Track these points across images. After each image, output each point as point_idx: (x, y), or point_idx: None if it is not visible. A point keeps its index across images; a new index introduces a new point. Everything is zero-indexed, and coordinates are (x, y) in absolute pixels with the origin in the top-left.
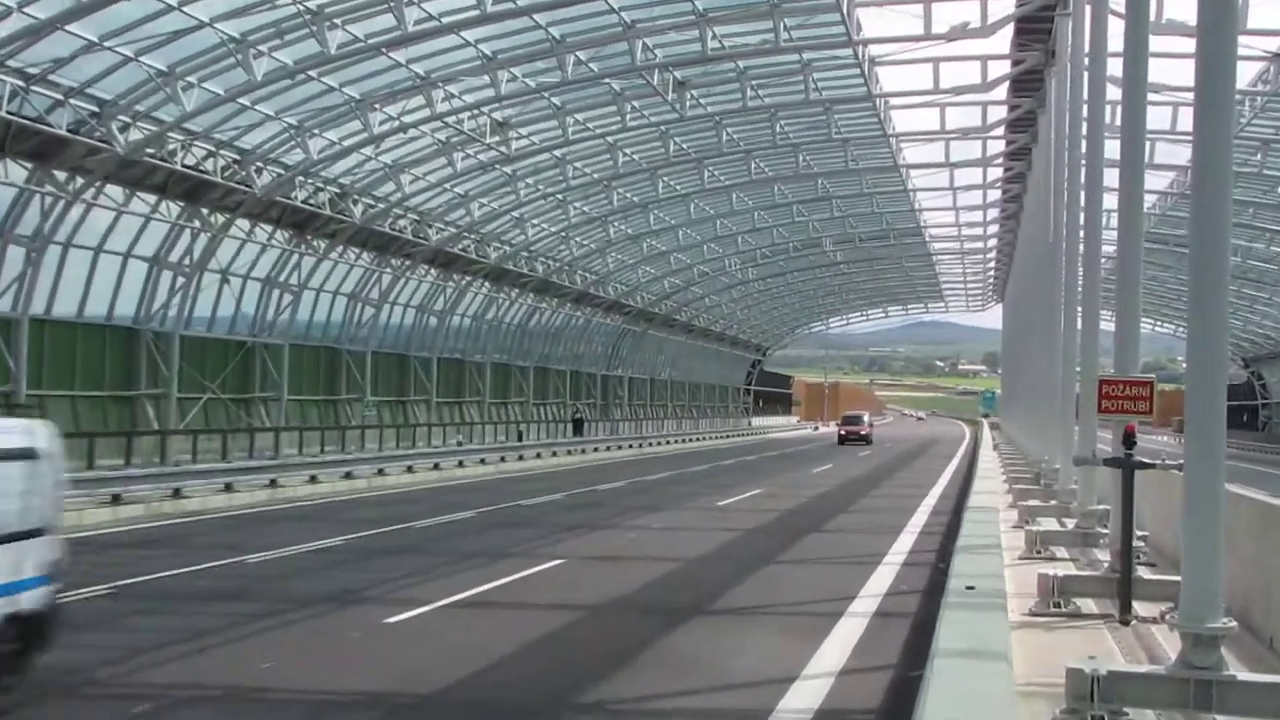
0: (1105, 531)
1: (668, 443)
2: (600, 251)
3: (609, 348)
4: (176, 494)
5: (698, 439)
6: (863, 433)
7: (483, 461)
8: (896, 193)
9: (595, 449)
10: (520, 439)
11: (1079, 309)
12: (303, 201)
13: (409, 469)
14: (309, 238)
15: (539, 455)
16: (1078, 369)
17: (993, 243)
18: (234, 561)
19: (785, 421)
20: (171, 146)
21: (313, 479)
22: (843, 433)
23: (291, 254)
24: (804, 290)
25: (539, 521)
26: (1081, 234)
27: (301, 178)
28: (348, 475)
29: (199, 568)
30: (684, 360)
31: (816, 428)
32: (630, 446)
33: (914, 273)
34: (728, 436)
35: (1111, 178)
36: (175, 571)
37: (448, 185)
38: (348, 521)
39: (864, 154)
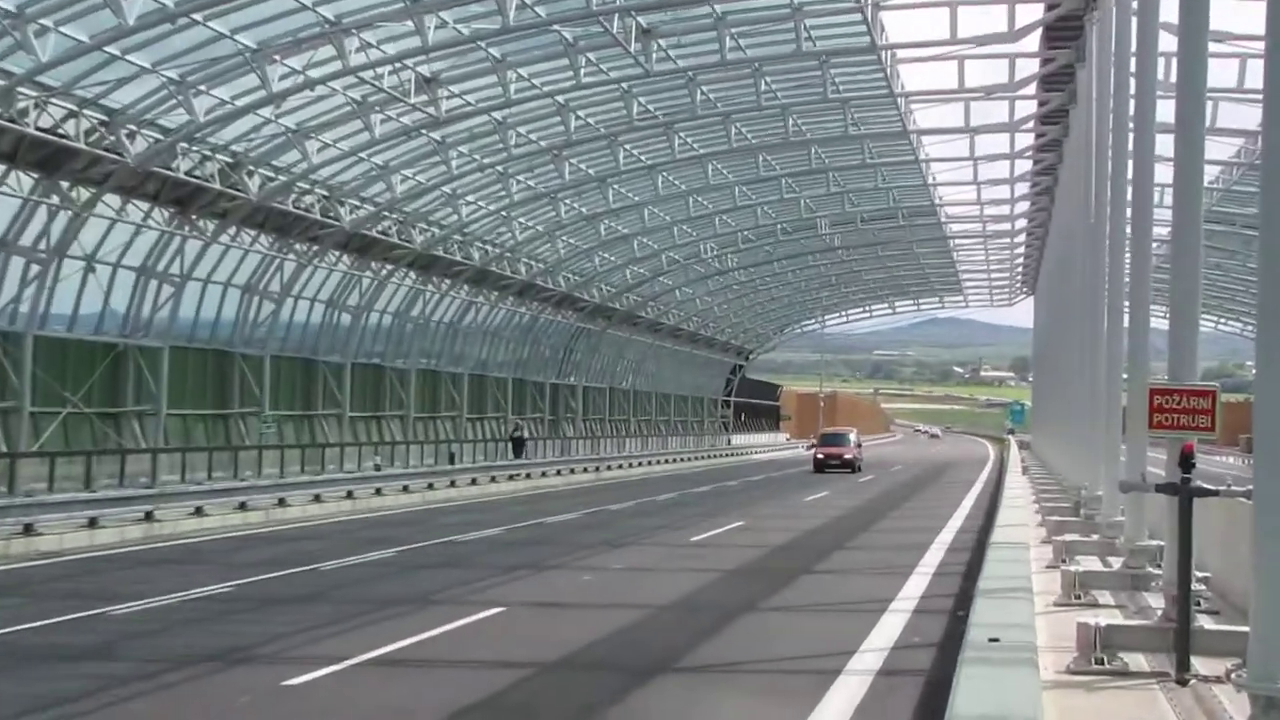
0: (1158, 572)
1: (630, 465)
2: (549, 235)
3: (560, 351)
4: (28, 530)
5: (666, 460)
6: (847, 456)
7: (406, 489)
8: (906, 163)
9: (543, 473)
10: (452, 461)
11: (1126, 304)
12: (186, 173)
13: (316, 499)
14: (194, 217)
15: (474, 481)
16: (1124, 376)
17: (1022, 224)
18: (98, 613)
19: (772, 440)
20: (23, 105)
21: (198, 511)
22: (820, 456)
23: (172, 237)
24: (795, 282)
25: (474, 561)
26: (1129, 213)
27: (184, 144)
28: (241, 506)
29: (55, 621)
30: (650, 366)
31: (809, 447)
32: (585, 470)
33: (927, 260)
34: (703, 457)
35: (1166, 145)
36: (25, 626)
37: (364, 154)
38: (240, 564)
39: (867, 117)
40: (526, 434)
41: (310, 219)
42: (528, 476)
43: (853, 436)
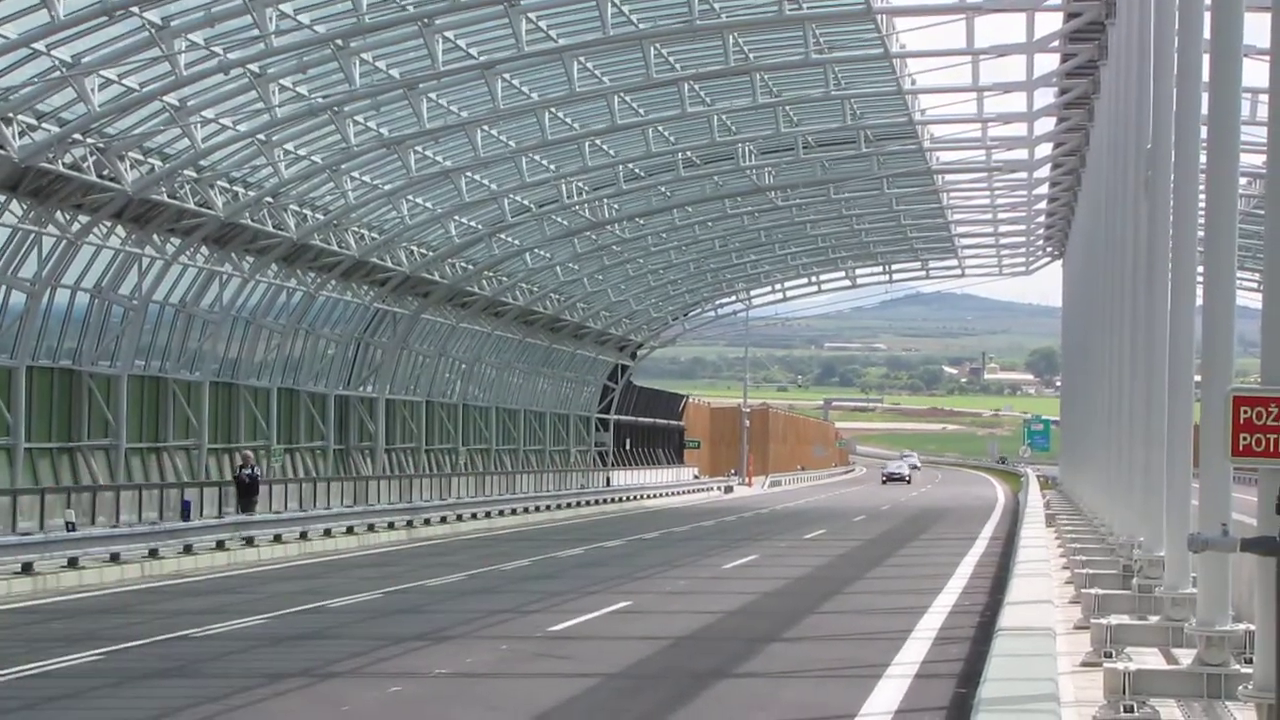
0: (1249, 671)
1: (460, 518)
2: (330, 170)
3: (349, 346)
4: None
5: (514, 510)
6: None
7: (115, 559)
8: (873, 60)
9: (327, 531)
10: (186, 516)
11: (1198, 273)
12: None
13: None
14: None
15: (221, 545)
16: (1197, 378)
17: (1045, 152)
18: None
19: (673, 477)
20: None
21: None
22: None
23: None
24: (704, 240)
25: (220, 668)
26: (1203, 136)
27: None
28: None
29: None
30: (487, 369)
31: (730, 488)
32: (392, 526)
33: (905, 207)
34: (568, 505)
35: (1258, 29)
36: None
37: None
38: None
39: None
40: (260, 473)
41: (79, 180)
42: (303, 537)
43: None
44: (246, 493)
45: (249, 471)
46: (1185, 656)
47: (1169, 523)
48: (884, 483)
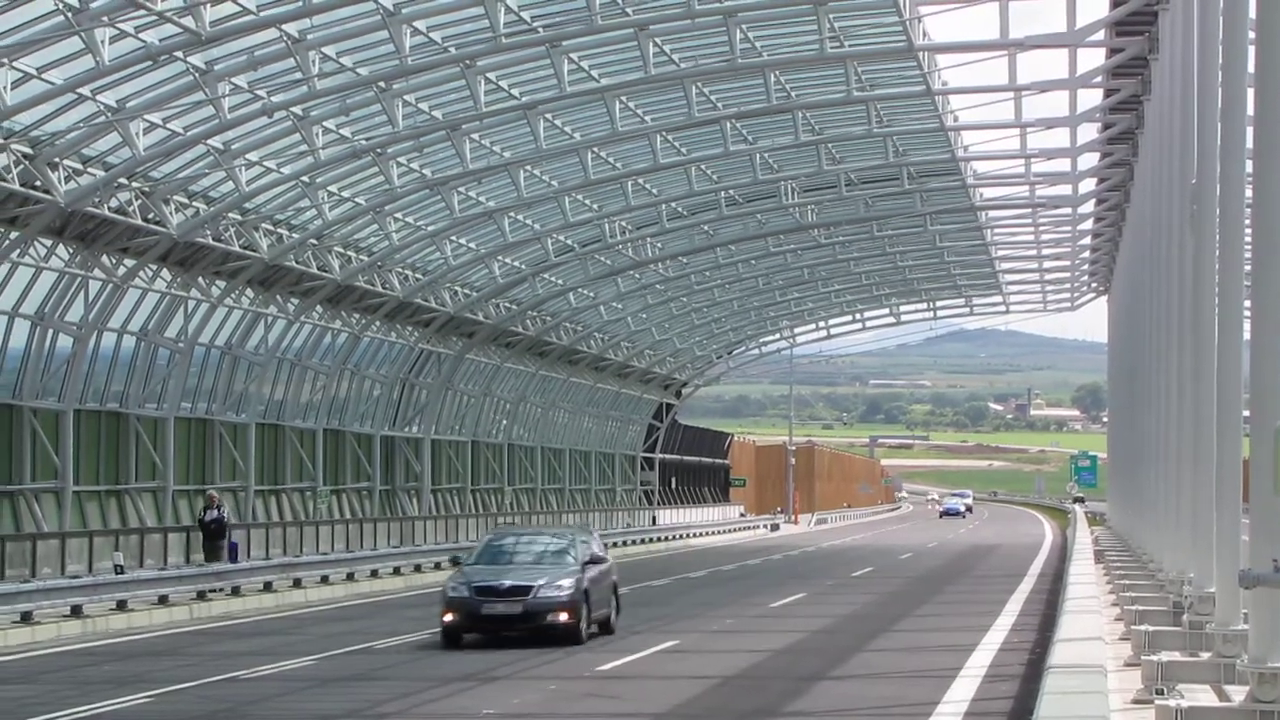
0: None
1: None
2: (374, 211)
3: (394, 387)
4: None
5: None
6: None
7: (164, 600)
8: (914, 97)
9: (373, 571)
10: (234, 558)
11: (1245, 305)
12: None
13: (25, 618)
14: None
15: (269, 586)
16: (1245, 413)
17: (1089, 187)
18: None
19: (718, 516)
20: None
21: None
22: None
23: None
24: (748, 279)
25: (272, 709)
26: (1249, 169)
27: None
28: None
29: None
30: (533, 409)
31: (776, 526)
32: (438, 566)
33: (948, 244)
34: (614, 544)
35: None
36: None
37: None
38: None
39: (858, 28)
40: (228, 515)
41: (125, 224)
42: (350, 578)
43: None
44: (211, 538)
45: (215, 515)
46: (1237, 694)
47: (1219, 559)
48: (941, 516)
